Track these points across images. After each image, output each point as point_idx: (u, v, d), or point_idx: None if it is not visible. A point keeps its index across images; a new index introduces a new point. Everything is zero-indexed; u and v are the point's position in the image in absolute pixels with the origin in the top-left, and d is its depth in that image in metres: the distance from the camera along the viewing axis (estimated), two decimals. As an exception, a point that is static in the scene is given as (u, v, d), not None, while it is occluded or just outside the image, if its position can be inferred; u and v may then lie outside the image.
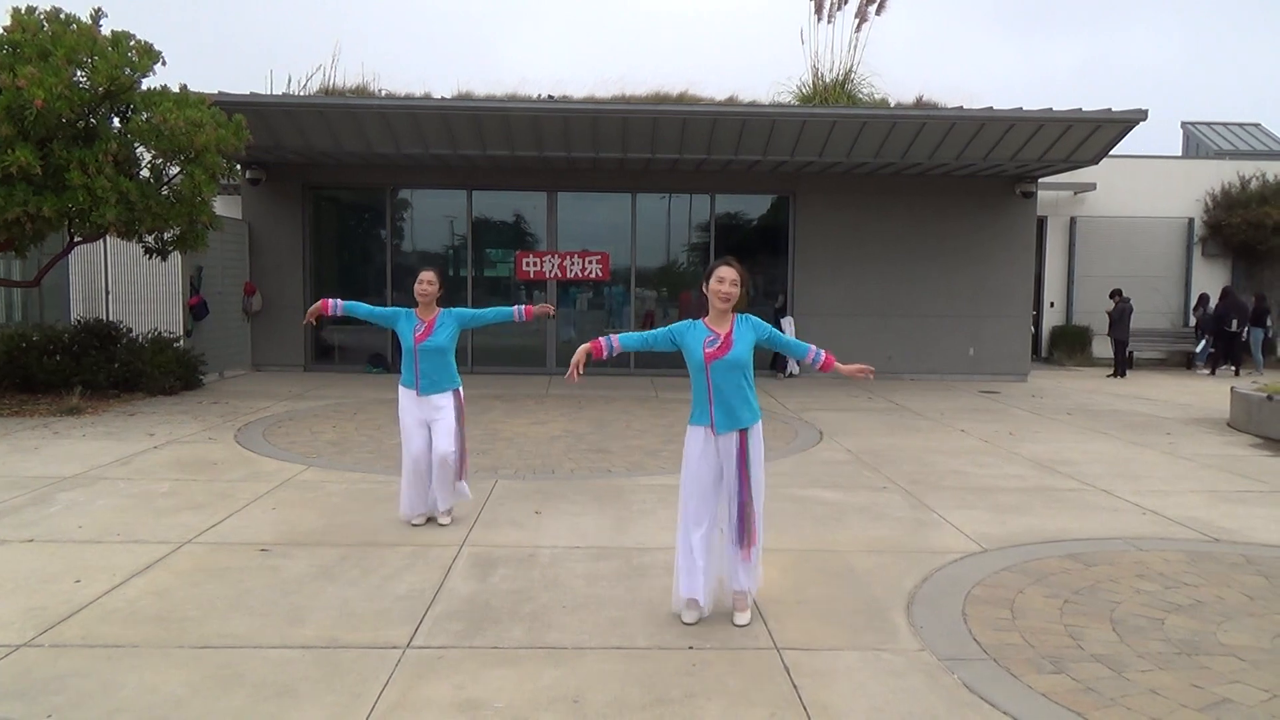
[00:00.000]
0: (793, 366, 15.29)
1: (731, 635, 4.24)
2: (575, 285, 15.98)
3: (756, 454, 4.32)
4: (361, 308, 5.99)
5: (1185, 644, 4.19)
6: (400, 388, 5.96)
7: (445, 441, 5.81)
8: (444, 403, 5.86)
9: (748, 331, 4.29)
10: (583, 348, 4.30)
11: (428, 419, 5.88)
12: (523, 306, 5.98)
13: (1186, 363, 18.80)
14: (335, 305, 5.79)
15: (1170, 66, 60.37)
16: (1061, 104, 12.98)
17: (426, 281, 5.84)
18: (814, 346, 4.51)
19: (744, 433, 4.28)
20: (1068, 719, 3.47)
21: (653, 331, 4.44)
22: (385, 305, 16.26)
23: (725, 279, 4.21)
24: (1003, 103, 13.10)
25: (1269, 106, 54.56)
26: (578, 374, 4.23)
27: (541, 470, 7.79)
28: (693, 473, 4.34)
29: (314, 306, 5.80)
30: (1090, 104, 12.99)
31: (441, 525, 5.96)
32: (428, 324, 5.84)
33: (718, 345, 4.24)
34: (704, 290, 4.32)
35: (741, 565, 4.35)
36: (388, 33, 52.02)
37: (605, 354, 4.35)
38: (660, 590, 4.82)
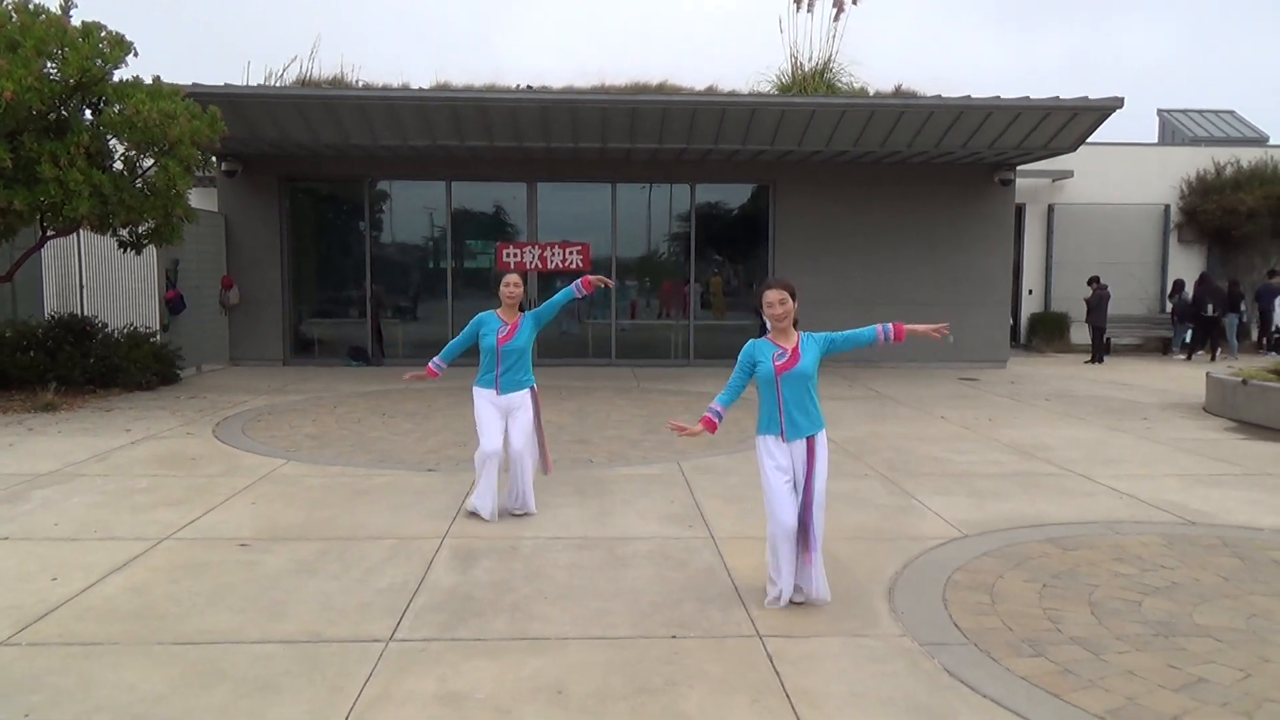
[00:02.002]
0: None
1: (714, 623, 4.25)
2: (556, 276, 15.92)
3: (822, 462, 4.47)
4: (456, 346, 6.09)
5: (1162, 625, 4.24)
6: (476, 388, 5.98)
7: (520, 439, 5.90)
8: (522, 400, 5.95)
9: (812, 345, 4.49)
10: (698, 430, 4.55)
11: (506, 415, 5.95)
12: (578, 281, 5.97)
13: (1163, 348, 18.99)
14: (438, 365, 6.06)
15: (1155, 55, 60.83)
16: (1050, 94, 13.00)
17: (514, 284, 5.95)
18: (878, 325, 4.59)
19: (811, 439, 4.44)
20: (1047, 701, 3.50)
21: (734, 379, 4.56)
22: (364, 297, 16.07)
23: (773, 301, 4.41)
24: (989, 93, 13.14)
25: (1245, 94, 55.11)
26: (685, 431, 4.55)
27: (523, 462, 7.76)
28: (771, 480, 4.43)
29: (421, 374, 6.06)
30: (1078, 94, 13.01)
31: (516, 515, 6.04)
32: (511, 325, 5.92)
33: (786, 358, 4.42)
34: (763, 316, 4.51)
35: (804, 569, 4.44)
36: (365, 24, 51.59)
37: (718, 423, 4.59)
38: (643, 580, 4.83)
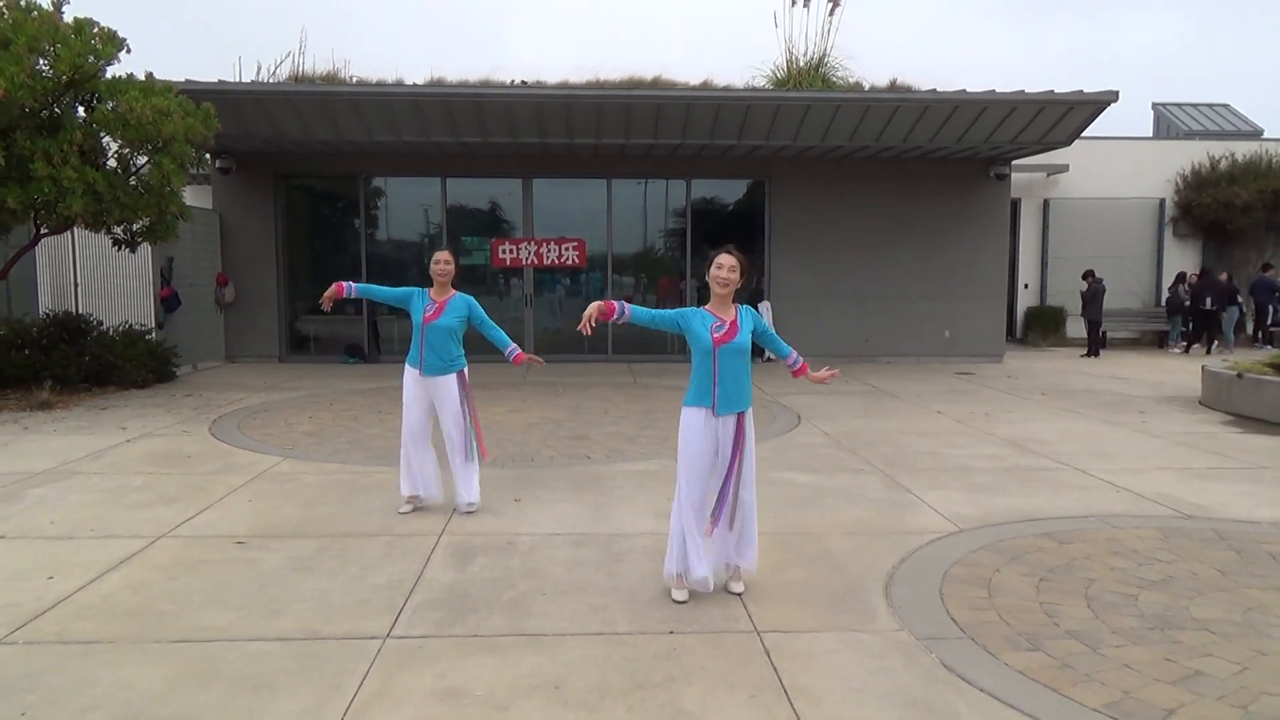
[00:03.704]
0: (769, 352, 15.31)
1: (712, 619, 4.25)
2: (552, 272, 15.92)
3: (750, 438, 4.47)
4: (376, 289, 6.01)
5: (1158, 619, 4.25)
6: (406, 365, 5.98)
7: (450, 425, 5.88)
8: (448, 385, 5.89)
9: (748, 320, 4.47)
10: (596, 305, 4.32)
11: (431, 398, 5.93)
12: (517, 350, 6.09)
13: (1159, 342, 19.03)
14: (349, 288, 5.80)
15: (1150, 49, 60.88)
16: (1046, 88, 13.01)
17: (443, 261, 5.87)
18: (795, 352, 4.76)
19: (741, 415, 4.42)
20: (1044, 695, 3.51)
21: (662, 311, 4.52)
22: (360, 294, 15.79)
23: (724, 265, 4.36)
24: (986, 86, 13.14)
25: (1239, 87, 55.19)
26: (590, 327, 4.30)
27: (520, 458, 7.77)
28: (695, 453, 4.41)
29: (329, 291, 5.77)
30: (1075, 88, 13.01)
31: (465, 513, 5.97)
32: (439, 304, 5.87)
33: (725, 330, 4.38)
34: (707, 278, 4.46)
35: (733, 543, 4.51)
36: (358, 19, 51.44)
37: (615, 316, 4.38)
38: (640, 575, 4.83)
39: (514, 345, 6.09)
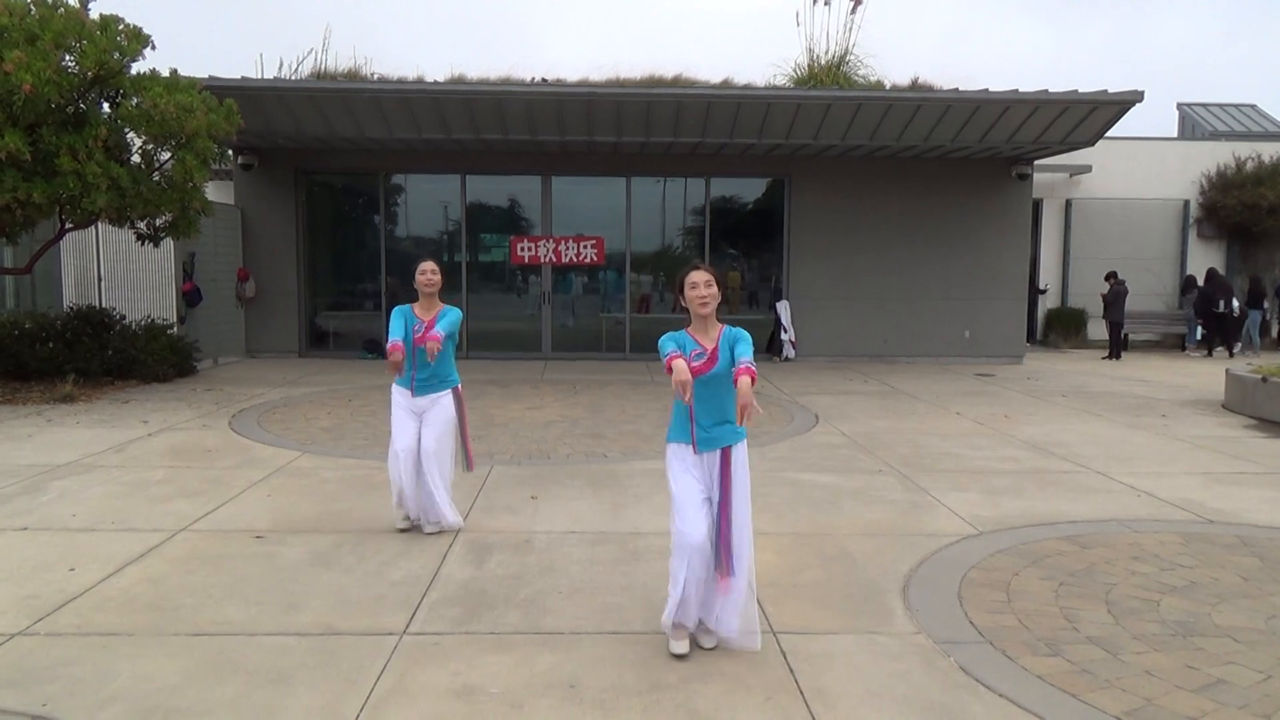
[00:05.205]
0: (788, 350, 15.28)
1: (728, 619, 4.23)
2: (571, 270, 15.93)
3: (740, 479, 3.90)
4: (393, 338, 5.48)
5: (1180, 625, 4.20)
6: (394, 386, 5.55)
7: (430, 441, 5.44)
8: (442, 400, 5.51)
9: (727, 343, 3.88)
10: (682, 375, 3.66)
11: (421, 415, 5.50)
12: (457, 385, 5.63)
13: (1180, 345, 18.84)
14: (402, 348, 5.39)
15: (1176, 48, 60.25)
16: (1070, 88, 12.89)
17: (430, 271, 5.42)
18: (748, 361, 3.79)
19: (727, 451, 3.90)
20: (1064, 701, 3.48)
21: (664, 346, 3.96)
22: (379, 290, 16.09)
23: (698, 282, 3.86)
24: (1013, 86, 13.03)
25: (1267, 87, 54.51)
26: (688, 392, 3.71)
27: (537, 455, 7.78)
28: (682, 489, 3.89)
29: (396, 359, 5.31)
30: (1101, 88, 12.88)
31: (428, 534, 5.51)
32: (428, 323, 5.40)
33: (705, 359, 3.85)
34: (681, 302, 3.95)
35: (723, 599, 3.88)
36: (379, 16, 51.69)
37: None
38: (656, 575, 4.81)
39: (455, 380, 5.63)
